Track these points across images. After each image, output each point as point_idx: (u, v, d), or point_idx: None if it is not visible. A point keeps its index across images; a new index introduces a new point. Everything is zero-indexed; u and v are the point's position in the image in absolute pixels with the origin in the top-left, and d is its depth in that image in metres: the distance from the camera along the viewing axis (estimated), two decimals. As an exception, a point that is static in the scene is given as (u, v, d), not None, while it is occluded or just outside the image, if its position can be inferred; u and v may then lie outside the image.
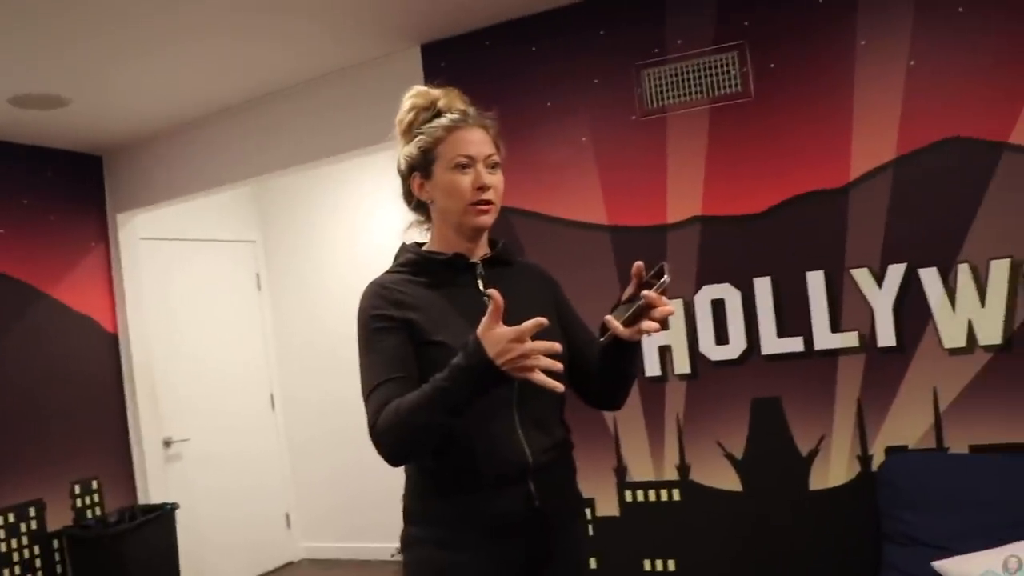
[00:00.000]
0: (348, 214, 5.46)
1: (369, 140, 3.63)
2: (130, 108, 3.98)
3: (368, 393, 1.52)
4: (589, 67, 3.26)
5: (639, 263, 1.52)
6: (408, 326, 1.54)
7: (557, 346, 1.35)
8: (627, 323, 1.48)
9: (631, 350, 1.61)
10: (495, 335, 1.33)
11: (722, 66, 3.04)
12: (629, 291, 1.54)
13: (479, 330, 1.36)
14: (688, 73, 3.09)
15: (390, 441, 1.46)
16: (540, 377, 1.34)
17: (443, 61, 3.49)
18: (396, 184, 1.75)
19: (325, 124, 3.88)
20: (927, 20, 2.77)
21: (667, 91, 3.13)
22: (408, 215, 1.79)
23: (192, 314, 5.12)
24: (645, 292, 1.46)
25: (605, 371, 1.69)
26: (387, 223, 4.80)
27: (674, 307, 1.52)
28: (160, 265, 4.93)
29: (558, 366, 1.37)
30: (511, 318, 1.56)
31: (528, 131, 3.36)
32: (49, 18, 2.88)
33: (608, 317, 1.50)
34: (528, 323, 1.31)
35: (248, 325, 5.57)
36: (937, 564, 2.45)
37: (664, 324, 1.47)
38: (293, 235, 5.68)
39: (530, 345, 1.32)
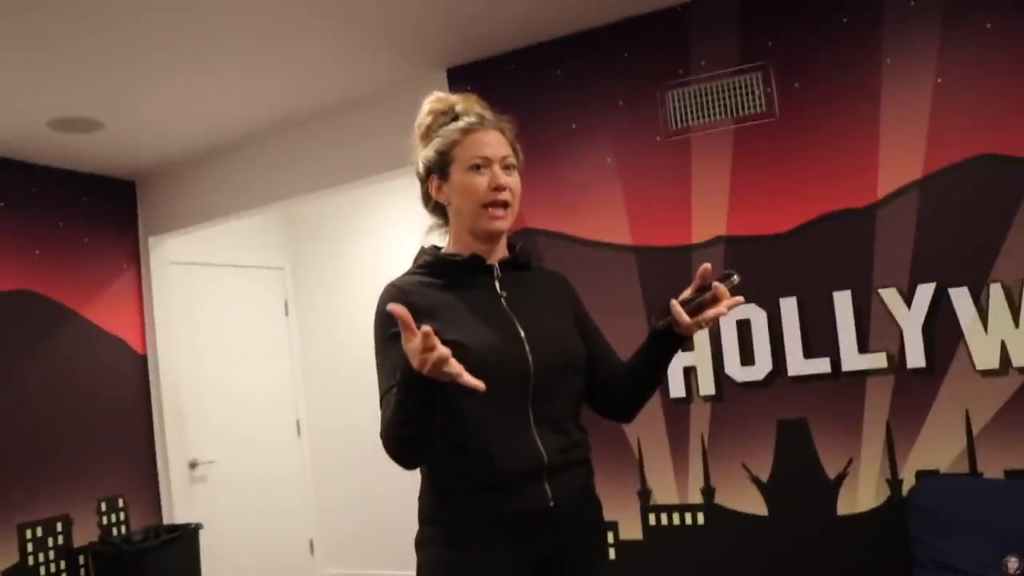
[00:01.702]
0: (376, 240, 5.47)
1: (396, 164, 3.65)
2: (160, 133, 4.06)
3: (380, 400, 1.53)
4: (613, 89, 3.28)
5: (707, 264, 1.52)
6: None
7: (445, 352, 1.30)
8: (689, 314, 1.50)
9: (676, 345, 1.60)
10: (409, 349, 1.32)
11: (746, 86, 3.04)
12: (687, 293, 1.54)
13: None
14: (712, 94, 3.09)
15: (388, 449, 1.47)
16: (465, 379, 1.32)
17: (468, 85, 3.49)
18: (424, 210, 1.77)
19: (352, 148, 3.89)
20: (953, 37, 2.76)
21: (691, 112, 3.14)
22: (429, 220, 1.79)
23: (220, 338, 5.16)
24: (716, 283, 1.48)
25: (636, 368, 1.67)
26: (416, 248, 4.76)
27: (742, 299, 1.52)
28: (189, 289, 4.98)
29: (463, 375, 1.33)
30: (529, 321, 1.61)
31: (553, 152, 3.37)
32: (85, 41, 2.97)
33: (673, 301, 1.50)
34: (424, 328, 1.28)
35: (275, 350, 5.60)
36: (970, 591, 2.38)
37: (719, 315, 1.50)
38: (322, 262, 5.70)
39: (438, 353, 1.29)
